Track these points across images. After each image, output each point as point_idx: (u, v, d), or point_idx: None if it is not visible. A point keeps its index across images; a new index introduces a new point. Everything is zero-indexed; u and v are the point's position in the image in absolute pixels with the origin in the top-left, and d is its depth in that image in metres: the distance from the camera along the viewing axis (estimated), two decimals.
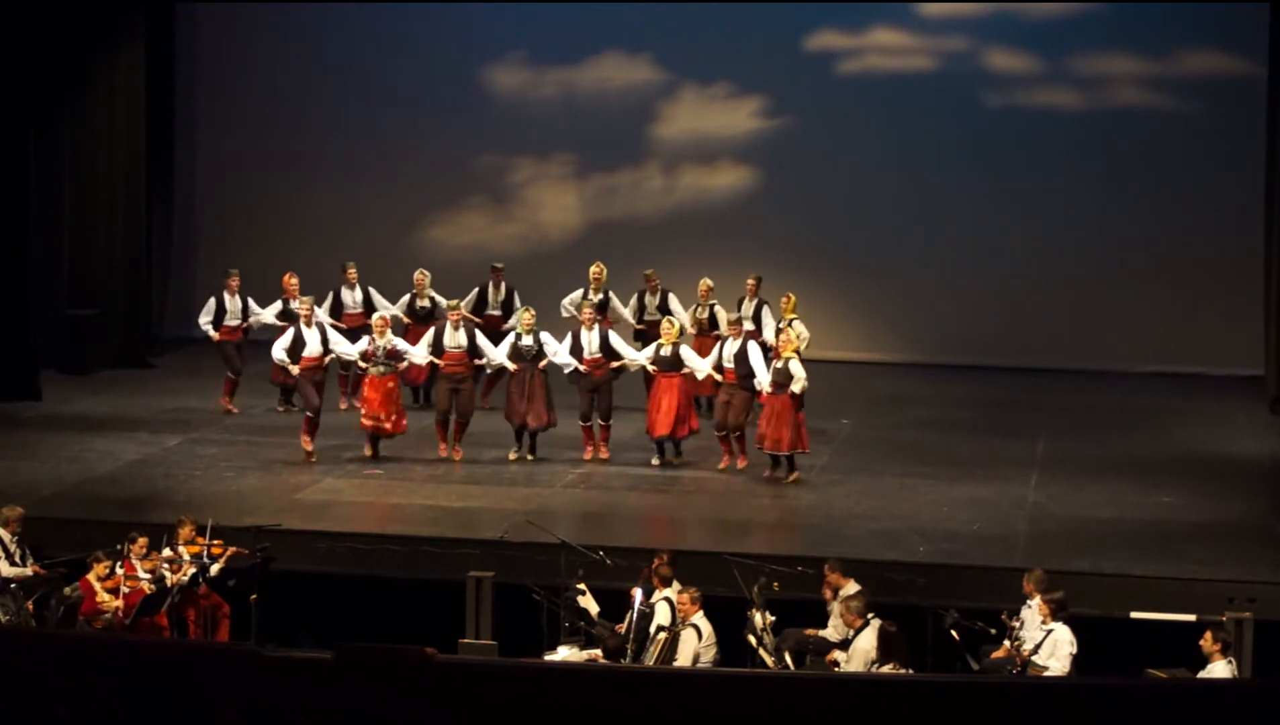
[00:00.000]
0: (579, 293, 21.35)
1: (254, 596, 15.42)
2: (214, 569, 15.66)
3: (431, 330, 19.93)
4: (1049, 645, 14.30)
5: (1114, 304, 24.79)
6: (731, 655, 14.78)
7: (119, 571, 15.27)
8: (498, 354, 19.59)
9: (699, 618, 14.75)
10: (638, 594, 15.04)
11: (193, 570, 15.49)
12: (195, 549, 15.68)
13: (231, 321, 21.77)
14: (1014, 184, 25.04)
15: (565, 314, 21.35)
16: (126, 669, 11.22)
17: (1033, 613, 14.67)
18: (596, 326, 19.69)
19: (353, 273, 22.04)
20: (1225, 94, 24.43)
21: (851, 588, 15.01)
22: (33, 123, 22.67)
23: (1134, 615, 15.47)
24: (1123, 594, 15.67)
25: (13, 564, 15.69)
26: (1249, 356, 23.60)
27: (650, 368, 19.38)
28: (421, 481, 18.86)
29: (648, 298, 21.60)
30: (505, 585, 15.72)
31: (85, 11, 24.16)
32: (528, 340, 19.51)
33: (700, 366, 19.27)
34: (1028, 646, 14.41)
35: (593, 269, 21.33)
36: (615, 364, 19.60)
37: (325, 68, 26.27)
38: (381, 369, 19.31)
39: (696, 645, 14.61)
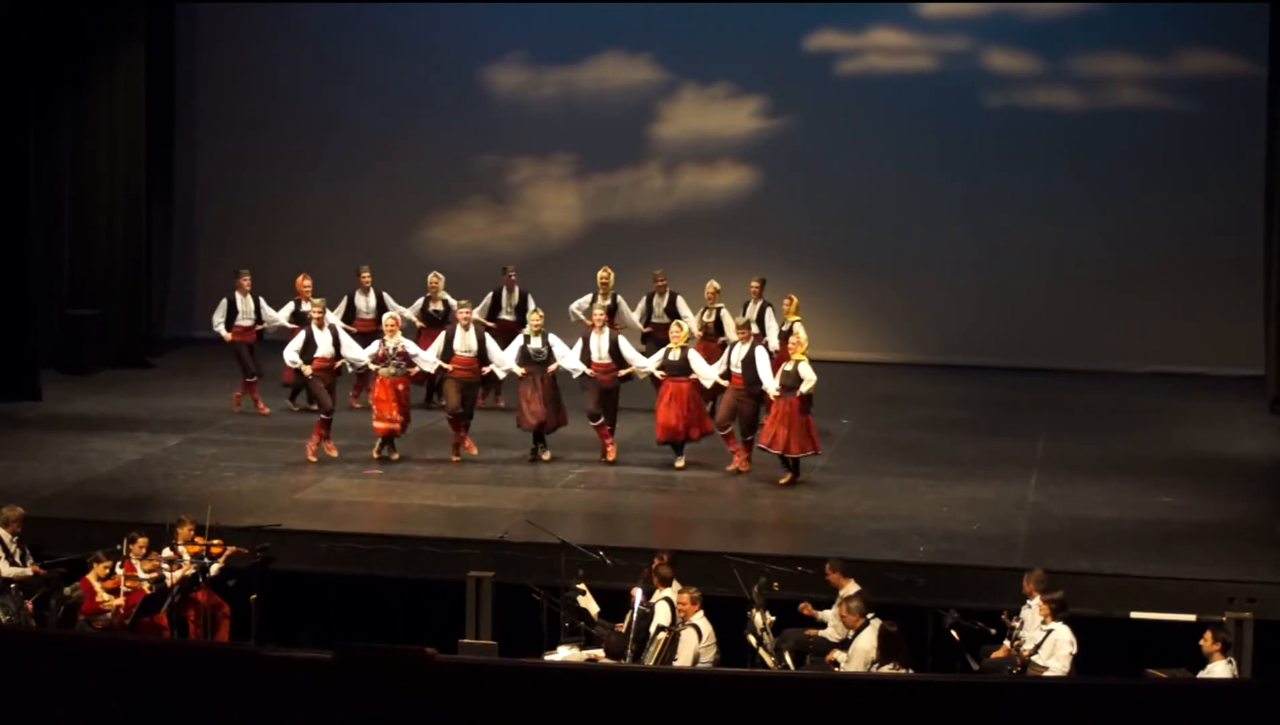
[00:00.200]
0: (587, 298, 21.35)
1: (254, 596, 15.41)
2: (214, 569, 15.66)
3: (442, 335, 19.85)
4: (1049, 645, 14.30)
5: (1114, 304, 24.80)
6: (731, 655, 14.78)
7: (119, 571, 15.27)
8: (507, 359, 19.55)
9: (699, 618, 14.75)
10: (638, 594, 15.04)
11: (193, 570, 15.48)
12: (195, 549, 15.68)
13: (244, 322, 21.72)
14: (1014, 184, 25.05)
15: (573, 320, 21.35)
16: (126, 669, 11.22)
17: (1033, 613, 14.66)
18: (606, 331, 19.65)
19: (366, 277, 21.97)
20: (1225, 94, 24.44)
21: (851, 588, 15.02)
22: (33, 123, 22.67)
23: (1134, 615, 15.47)
24: (1123, 594, 15.66)
25: (13, 564, 15.68)
26: (1249, 356, 23.61)
27: (659, 374, 19.34)
28: (421, 481, 18.86)
29: (655, 300, 21.59)
30: (505, 585, 15.72)
31: (85, 11, 24.17)
32: (536, 343, 19.48)
33: (707, 374, 19.24)
34: (1028, 646, 14.41)
35: (600, 274, 21.29)
36: (624, 372, 19.56)
37: (325, 68, 26.28)
38: (392, 370, 19.28)
39: (696, 645, 14.61)
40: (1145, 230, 24.75)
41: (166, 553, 15.64)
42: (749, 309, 20.94)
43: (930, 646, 14.98)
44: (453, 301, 21.24)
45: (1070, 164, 24.93)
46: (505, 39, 26.05)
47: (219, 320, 21.70)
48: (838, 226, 25.40)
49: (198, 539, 15.75)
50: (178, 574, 15.40)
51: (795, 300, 20.51)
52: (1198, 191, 24.61)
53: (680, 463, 19.33)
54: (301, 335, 19.79)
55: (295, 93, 26.34)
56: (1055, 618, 14.40)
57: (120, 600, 15.13)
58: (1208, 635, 13.98)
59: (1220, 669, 13.83)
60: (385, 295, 21.87)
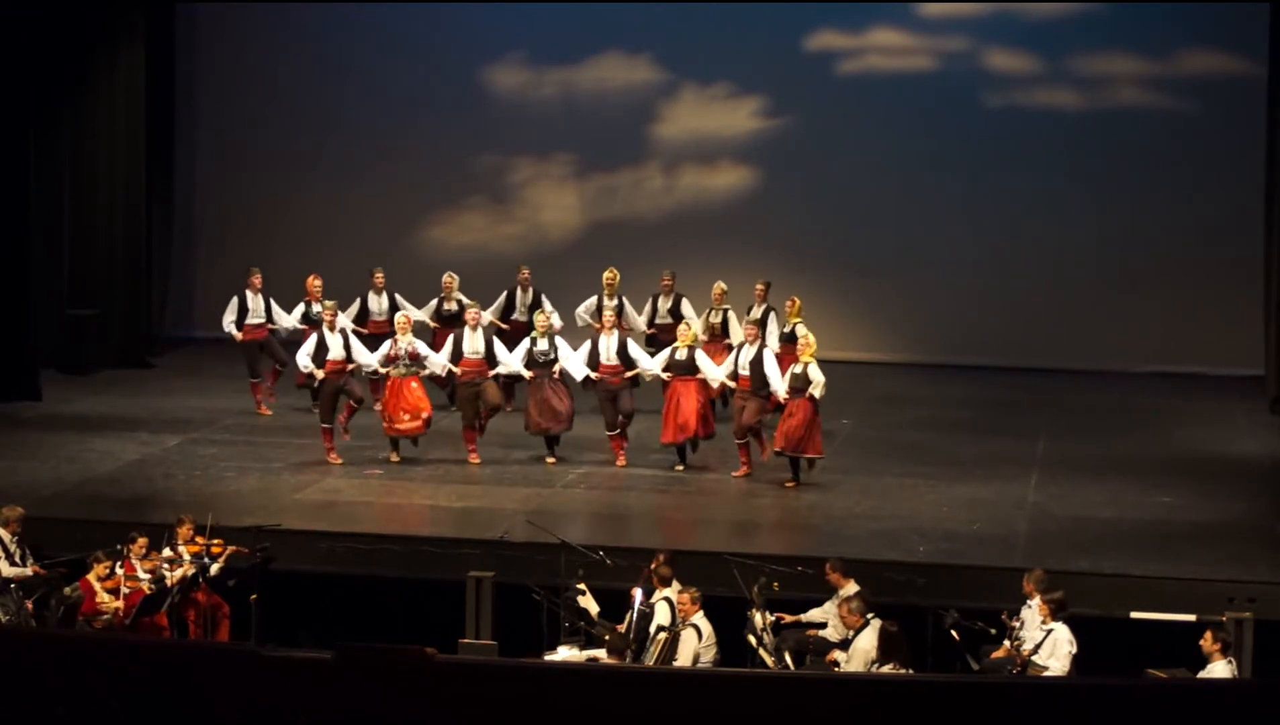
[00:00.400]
0: (593, 300, 21.34)
1: (254, 596, 15.42)
2: (214, 569, 15.67)
3: (451, 337, 19.81)
4: (1049, 645, 14.31)
5: (1114, 304, 24.79)
6: (731, 655, 14.79)
7: (119, 571, 15.28)
8: (513, 361, 19.54)
9: (699, 618, 14.76)
10: (638, 594, 15.05)
11: (193, 570, 15.48)
12: (195, 548, 15.69)
13: (254, 321, 21.66)
14: (1014, 184, 25.04)
15: (580, 323, 21.34)
16: (126, 669, 11.21)
17: (1033, 613, 14.67)
18: (615, 333, 19.63)
19: (380, 278, 21.90)
20: (1225, 94, 24.43)
21: (851, 588, 15.02)
22: (33, 123, 22.67)
23: (1134, 615, 15.47)
24: (1123, 594, 15.67)
25: (13, 564, 15.69)
26: (1249, 356, 23.60)
27: (665, 376, 19.30)
28: (421, 481, 18.86)
29: (661, 301, 21.57)
30: (505, 585, 15.72)
31: (85, 11, 24.16)
32: (543, 344, 19.47)
33: (715, 374, 19.21)
34: (1028, 646, 14.42)
35: (606, 275, 21.25)
36: (630, 373, 19.54)
37: (325, 68, 26.27)
38: (403, 371, 19.25)
39: (696, 645, 14.62)
40: (1145, 230, 24.74)
41: (166, 553, 15.65)
42: (753, 311, 20.93)
43: (930, 646, 14.99)
44: (467, 301, 21.15)
45: (1070, 164, 24.92)
46: (505, 39, 26.04)
47: (230, 320, 21.64)
48: (838, 226, 25.40)
49: (198, 539, 15.76)
50: (178, 574, 15.40)
51: (798, 302, 20.51)
52: (1198, 191, 24.61)
53: (680, 467, 19.30)
54: (313, 338, 19.73)
55: (295, 93, 26.33)
56: (1055, 618, 14.40)
57: (120, 600, 15.13)
58: (1208, 635, 13.99)
59: (1220, 669, 13.84)
60: (398, 297, 21.82)
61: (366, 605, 16.31)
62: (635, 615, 14.94)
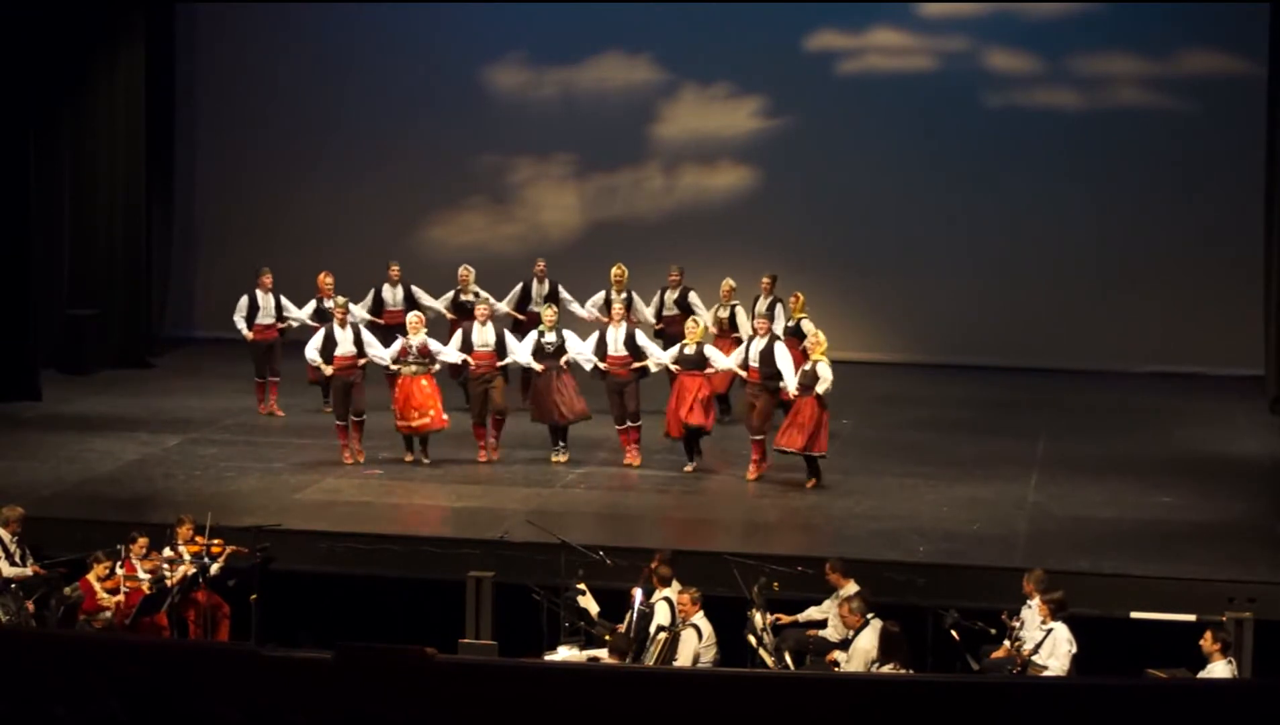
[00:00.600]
0: (600, 295, 21.36)
1: (254, 596, 15.42)
2: (214, 569, 15.66)
3: (459, 331, 19.83)
4: (1049, 645, 14.31)
5: (1114, 304, 24.79)
6: (731, 655, 14.78)
7: (119, 571, 15.28)
8: (522, 352, 19.56)
9: (699, 618, 14.75)
10: (638, 594, 15.05)
11: (193, 570, 15.48)
12: (195, 548, 15.69)
13: (265, 319, 21.63)
14: (1014, 184, 25.04)
15: (589, 317, 21.36)
16: (126, 669, 11.21)
17: (1033, 613, 14.67)
18: (624, 324, 19.65)
19: (395, 271, 21.93)
20: (1225, 94, 24.43)
21: (851, 588, 15.02)
22: (33, 123, 22.68)
23: (1134, 615, 15.47)
24: (1123, 594, 15.66)
25: (13, 564, 15.69)
26: (1249, 356, 23.60)
27: (673, 368, 19.32)
28: (421, 481, 18.86)
29: (668, 294, 21.60)
30: (505, 585, 15.72)
31: (85, 11, 24.17)
32: (550, 337, 19.49)
33: (726, 364, 19.21)
34: (1028, 646, 14.42)
35: (615, 271, 21.24)
36: (638, 364, 19.55)
37: (325, 68, 26.28)
38: (414, 368, 19.24)
39: (696, 645, 14.62)
40: (1145, 230, 24.74)
41: (167, 553, 15.64)
42: (759, 305, 20.96)
43: (930, 646, 14.98)
44: (484, 294, 21.11)
45: (1070, 164, 24.93)
46: (505, 39, 26.04)
47: (240, 318, 21.62)
48: (838, 226, 25.40)
49: (198, 539, 15.75)
50: (178, 574, 15.40)
51: (801, 297, 20.54)
52: (1198, 191, 24.61)
53: (690, 467, 19.26)
54: (321, 333, 19.73)
55: (295, 93, 26.33)
56: (1055, 618, 14.40)
57: (121, 598, 15.12)
58: (1208, 635, 13.99)
59: (1220, 669, 13.83)
60: (414, 288, 21.82)
61: (366, 605, 16.31)
62: (635, 615, 14.94)
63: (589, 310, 21.49)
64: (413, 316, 19.73)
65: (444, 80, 26.18)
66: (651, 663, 14.44)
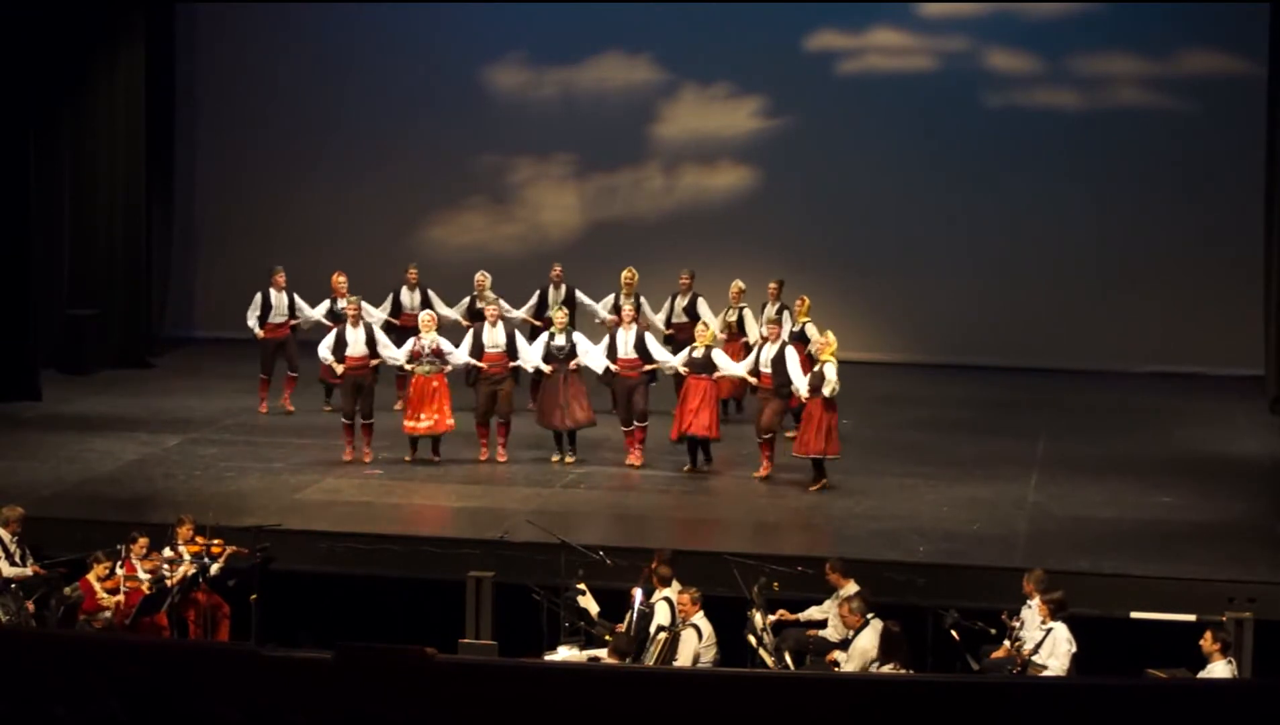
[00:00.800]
0: (610, 298, 21.35)
1: (254, 596, 15.42)
2: (214, 569, 15.66)
3: (470, 332, 19.82)
4: (1049, 645, 14.31)
5: (1114, 304, 24.79)
6: (731, 655, 14.78)
7: (119, 571, 15.28)
8: (532, 355, 19.54)
9: (699, 618, 14.76)
10: (638, 594, 15.05)
11: (193, 570, 15.48)
12: (195, 548, 15.69)
13: (277, 319, 21.62)
14: (1014, 184, 25.04)
15: (597, 320, 21.36)
16: (126, 669, 11.21)
17: (1033, 613, 14.67)
18: (634, 327, 19.63)
19: (413, 274, 21.92)
20: (1225, 94, 24.43)
21: (851, 588, 15.02)
22: (33, 123, 22.67)
23: (1134, 615, 15.47)
24: (1123, 594, 15.67)
25: (13, 564, 15.69)
26: (1249, 356, 23.60)
27: (683, 371, 19.29)
28: (421, 481, 18.86)
29: (678, 301, 21.59)
30: (505, 585, 15.72)
31: (85, 11, 24.16)
32: (560, 340, 19.48)
33: (735, 370, 19.20)
34: (1028, 646, 14.42)
35: (625, 274, 21.21)
36: (648, 367, 19.53)
37: (325, 68, 26.27)
38: (427, 368, 19.23)
39: (696, 645, 14.62)
40: (1145, 230, 24.74)
41: (167, 553, 15.64)
42: (767, 310, 20.95)
43: (930, 646, 14.98)
44: (501, 302, 21.01)
45: (1070, 164, 24.93)
46: (505, 39, 26.04)
47: (253, 316, 21.62)
48: (838, 226, 25.40)
49: (198, 539, 15.75)
50: (178, 574, 15.40)
51: (807, 301, 20.54)
52: (1198, 191, 24.61)
53: (688, 468, 19.24)
54: (333, 333, 19.72)
55: (295, 93, 26.33)
56: (1054, 617, 14.40)
57: (121, 598, 15.12)
58: (1208, 635, 13.99)
59: (1220, 669, 13.84)
60: (431, 292, 21.82)
61: (366, 605, 16.31)
62: (635, 615, 14.94)
63: (600, 312, 21.45)
64: (424, 315, 19.72)
65: (444, 80, 26.18)
66: (651, 663, 14.44)
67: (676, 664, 14.39)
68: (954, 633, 14.69)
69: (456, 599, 15.77)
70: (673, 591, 14.95)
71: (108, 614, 15.09)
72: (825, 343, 18.65)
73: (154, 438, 20.38)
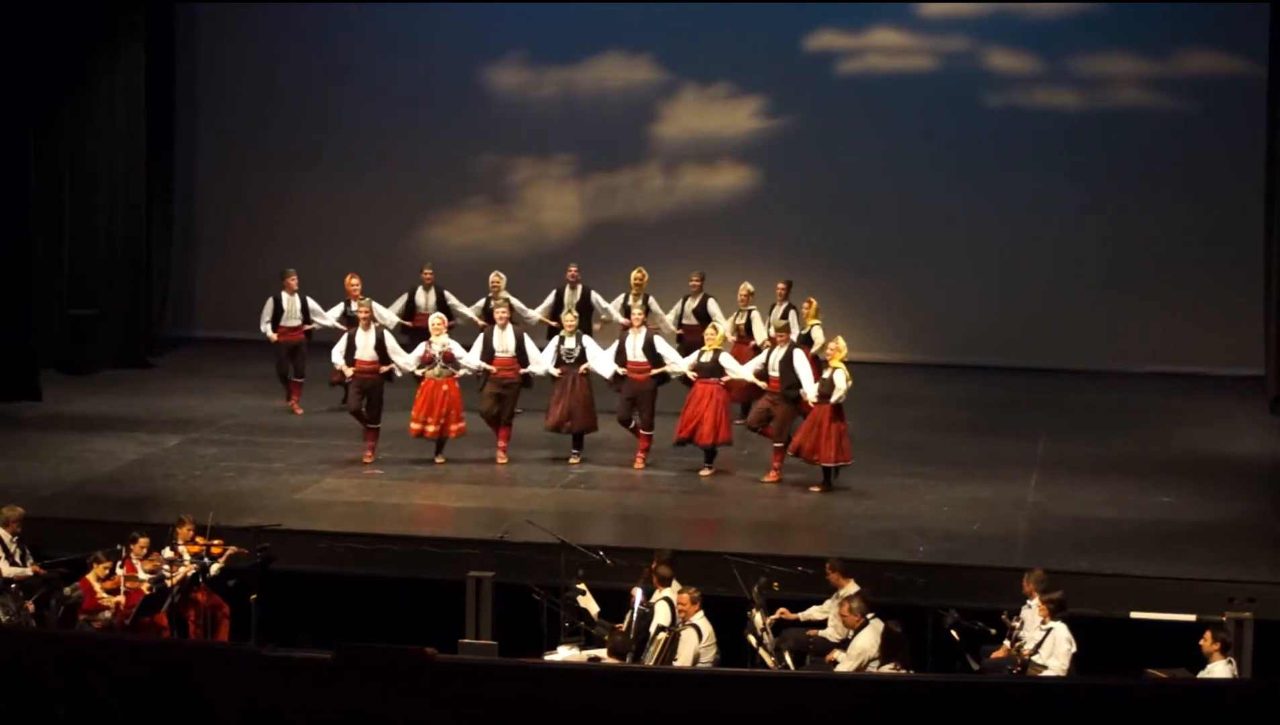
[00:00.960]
0: (620, 299, 21.33)
1: (254, 596, 15.41)
2: (214, 569, 15.66)
3: (480, 336, 19.74)
4: (1048, 645, 14.31)
5: (1114, 304, 24.80)
6: (731, 655, 14.78)
7: (119, 571, 15.27)
8: (543, 359, 19.52)
9: (699, 618, 14.75)
10: (638, 594, 15.05)
11: (193, 570, 15.48)
12: (195, 548, 15.69)
13: (289, 322, 21.62)
14: (1014, 184, 25.05)
15: (605, 318, 21.35)
16: (126, 669, 11.21)
17: (1033, 613, 14.67)
18: (643, 330, 19.60)
19: (428, 274, 21.88)
20: (1225, 94, 24.45)
21: (851, 588, 15.02)
22: (33, 123, 22.67)
23: (1134, 615, 15.47)
24: (1123, 594, 15.66)
25: (13, 564, 15.68)
26: (1249, 356, 23.61)
27: (691, 374, 19.26)
28: (421, 481, 18.86)
29: (688, 302, 21.56)
30: (505, 585, 15.72)
31: (85, 11, 24.17)
32: (570, 343, 19.46)
33: (742, 373, 19.17)
34: (1028, 646, 14.42)
35: (634, 275, 21.19)
36: (657, 370, 19.50)
37: (325, 68, 26.28)
38: (437, 372, 19.21)
39: (696, 645, 14.61)
40: (1145, 230, 24.75)
41: (167, 553, 15.64)
42: (775, 311, 20.93)
43: (930, 646, 14.98)
44: (516, 302, 21.03)
45: (1070, 164, 24.94)
46: (505, 39, 26.05)
47: (266, 320, 21.59)
48: (838, 226, 25.41)
49: (198, 539, 15.75)
50: (178, 574, 15.40)
51: (814, 303, 20.54)
52: (1198, 191, 24.62)
53: (705, 472, 19.19)
54: (345, 337, 19.69)
55: (295, 93, 26.34)
56: (1054, 617, 14.40)
57: (121, 598, 15.12)
58: (1208, 635, 13.99)
59: (1220, 669, 13.83)
60: (446, 293, 21.79)
61: (366, 605, 16.31)
62: (635, 615, 14.94)
63: (610, 312, 21.41)
64: (434, 319, 19.67)
65: (444, 80, 26.19)
66: (651, 663, 14.44)
67: (676, 664, 14.39)
68: (954, 633, 14.69)
69: (456, 599, 15.76)
70: (673, 591, 14.94)
71: (108, 614, 15.09)
72: (836, 348, 18.57)
73: (154, 438, 20.38)
